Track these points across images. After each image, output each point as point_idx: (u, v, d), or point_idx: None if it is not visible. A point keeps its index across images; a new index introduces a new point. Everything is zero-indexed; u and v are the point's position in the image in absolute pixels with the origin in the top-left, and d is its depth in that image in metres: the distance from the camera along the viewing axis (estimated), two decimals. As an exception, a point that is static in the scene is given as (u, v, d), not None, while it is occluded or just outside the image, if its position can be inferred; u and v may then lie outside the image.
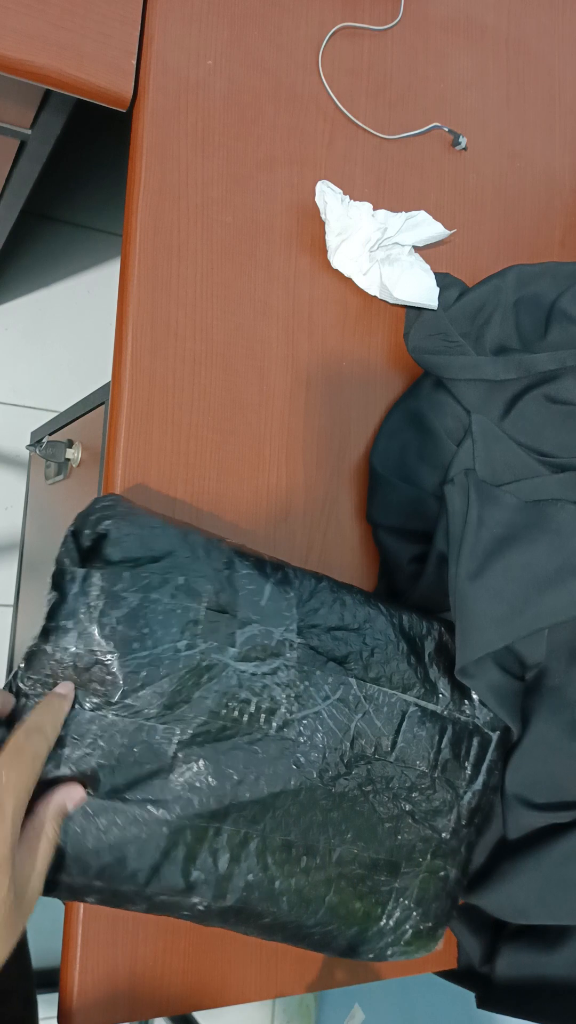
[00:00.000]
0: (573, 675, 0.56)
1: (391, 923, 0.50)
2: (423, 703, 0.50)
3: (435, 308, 0.63)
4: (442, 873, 0.52)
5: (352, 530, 0.63)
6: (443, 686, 0.52)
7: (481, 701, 0.53)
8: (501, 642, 0.51)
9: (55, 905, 0.52)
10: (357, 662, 0.49)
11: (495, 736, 0.53)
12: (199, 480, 0.57)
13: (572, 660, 0.56)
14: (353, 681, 0.48)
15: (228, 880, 0.46)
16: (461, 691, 0.52)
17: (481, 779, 0.52)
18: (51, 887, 0.44)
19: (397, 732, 0.49)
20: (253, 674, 0.45)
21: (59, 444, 0.85)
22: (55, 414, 1.01)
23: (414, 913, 0.51)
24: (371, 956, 0.51)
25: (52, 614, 0.42)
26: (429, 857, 0.51)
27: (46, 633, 0.42)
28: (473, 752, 0.52)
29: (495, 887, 0.55)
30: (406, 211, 0.65)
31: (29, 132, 0.75)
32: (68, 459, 0.85)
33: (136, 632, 0.43)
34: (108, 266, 1.38)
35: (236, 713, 0.45)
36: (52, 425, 1.00)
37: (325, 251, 0.64)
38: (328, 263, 0.64)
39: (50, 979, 1.03)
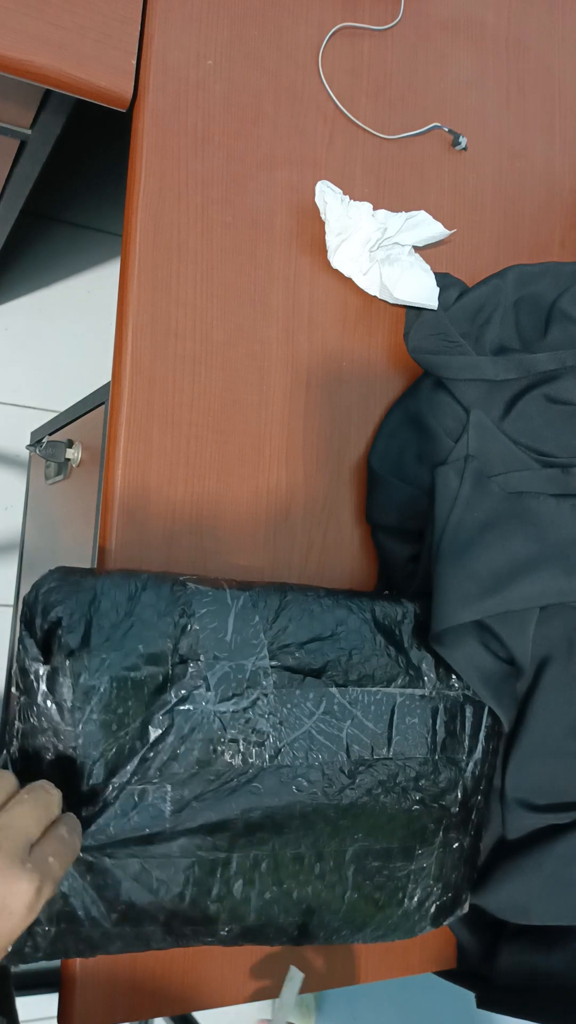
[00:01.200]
0: (574, 673, 0.56)
1: (414, 903, 0.51)
2: (410, 691, 0.50)
3: (435, 308, 0.63)
4: (456, 845, 0.52)
5: (352, 530, 0.63)
6: (427, 667, 0.51)
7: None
8: (468, 617, 0.51)
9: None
10: (337, 669, 0.48)
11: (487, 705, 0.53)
12: (199, 480, 0.57)
13: (572, 658, 0.57)
14: (334, 690, 0.48)
15: (246, 903, 0.46)
16: (447, 667, 0.52)
17: (480, 747, 0.52)
18: (64, 950, 0.44)
19: (390, 727, 0.49)
20: (234, 712, 0.45)
21: (59, 444, 0.85)
22: (55, 414, 1.01)
23: (435, 889, 0.51)
24: (400, 936, 0.51)
25: (24, 715, 0.42)
26: (442, 833, 0.51)
27: (24, 735, 0.42)
28: (468, 723, 0.52)
29: (495, 887, 0.55)
30: (406, 211, 0.65)
31: (29, 132, 0.75)
32: (68, 459, 0.85)
33: (111, 715, 0.42)
34: (108, 266, 1.38)
35: (226, 756, 0.45)
36: (52, 425, 1.00)
37: (325, 251, 0.64)
38: (328, 263, 0.64)
39: (50, 979, 1.03)
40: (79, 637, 0.43)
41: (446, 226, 0.66)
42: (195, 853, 0.45)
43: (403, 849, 0.50)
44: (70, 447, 0.85)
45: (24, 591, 1.10)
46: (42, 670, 0.42)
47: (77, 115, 0.71)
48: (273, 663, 0.47)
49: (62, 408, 0.98)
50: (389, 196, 0.68)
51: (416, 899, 0.51)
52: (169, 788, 0.43)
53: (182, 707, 0.44)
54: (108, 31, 0.57)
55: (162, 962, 0.53)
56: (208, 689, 0.45)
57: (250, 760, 0.45)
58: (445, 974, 0.62)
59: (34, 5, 0.55)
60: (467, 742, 0.51)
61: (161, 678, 0.44)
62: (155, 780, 0.43)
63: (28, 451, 1.04)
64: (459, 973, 0.61)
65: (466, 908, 0.54)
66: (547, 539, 0.55)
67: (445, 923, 0.53)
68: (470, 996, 0.60)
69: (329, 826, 0.47)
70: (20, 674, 0.42)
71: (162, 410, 0.57)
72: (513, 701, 0.55)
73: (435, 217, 0.66)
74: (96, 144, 1.21)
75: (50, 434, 0.97)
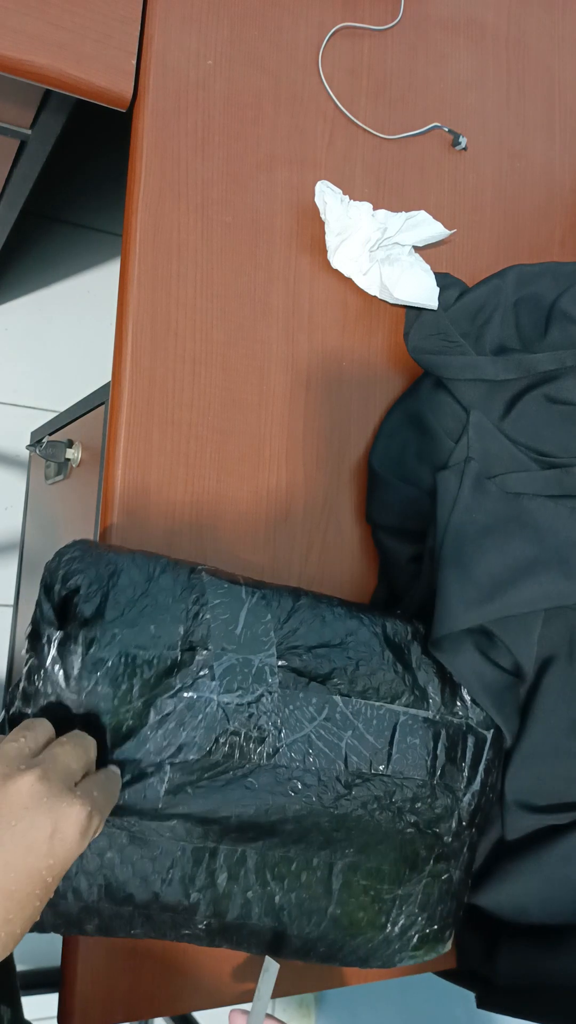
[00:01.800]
0: (574, 673, 0.56)
1: (396, 930, 0.50)
2: (413, 711, 0.50)
3: (435, 308, 0.63)
4: (445, 876, 0.51)
5: (352, 530, 0.63)
6: (433, 690, 0.51)
7: (474, 701, 0.53)
8: (468, 623, 0.51)
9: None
10: (342, 678, 0.48)
11: (489, 734, 0.53)
12: (199, 480, 0.57)
13: (573, 660, 0.56)
14: (338, 699, 0.48)
15: (228, 898, 0.46)
16: (452, 692, 0.52)
17: (479, 779, 0.52)
18: (40, 923, 0.44)
19: (391, 744, 0.48)
20: (238, 705, 0.45)
21: (59, 444, 0.85)
22: (55, 414, 1.01)
23: (419, 919, 0.50)
24: (379, 964, 0.51)
25: (30, 677, 0.42)
26: (432, 862, 0.50)
27: (26, 696, 0.42)
28: (469, 753, 0.51)
29: (496, 886, 0.55)
30: (406, 211, 0.65)
31: (29, 132, 0.75)
32: (68, 459, 0.85)
33: (115, 689, 0.43)
34: (108, 266, 1.38)
35: (226, 748, 0.45)
36: (52, 425, 1.00)
37: (325, 251, 0.64)
38: (328, 263, 0.64)
39: (50, 979, 1.03)
40: (94, 608, 0.44)
41: (446, 226, 0.66)
42: (184, 837, 0.45)
43: (393, 871, 0.49)
44: (70, 447, 0.85)
45: (24, 591, 1.10)
46: (55, 635, 0.42)
47: (77, 115, 0.71)
48: (280, 663, 0.47)
49: (62, 408, 0.98)
50: (389, 196, 0.68)
51: (399, 926, 0.50)
52: (168, 770, 0.43)
53: (187, 694, 0.44)
54: (108, 31, 0.57)
55: (162, 962, 0.53)
56: (213, 679, 0.45)
57: (248, 755, 0.45)
58: (445, 974, 0.62)
59: (34, 5, 0.55)
60: (466, 772, 0.51)
61: (169, 662, 0.44)
62: (154, 762, 0.43)
63: (28, 451, 1.05)
64: (459, 973, 0.61)
65: (448, 946, 0.53)
66: (545, 542, 0.55)
67: (423, 960, 0.52)
68: (470, 996, 0.60)
69: (321, 835, 0.47)
70: (32, 636, 0.42)
71: (162, 410, 0.57)
72: (515, 711, 0.54)
73: (435, 217, 0.66)
74: (96, 144, 1.21)
75: (50, 434, 0.97)
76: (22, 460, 1.30)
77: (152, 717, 0.43)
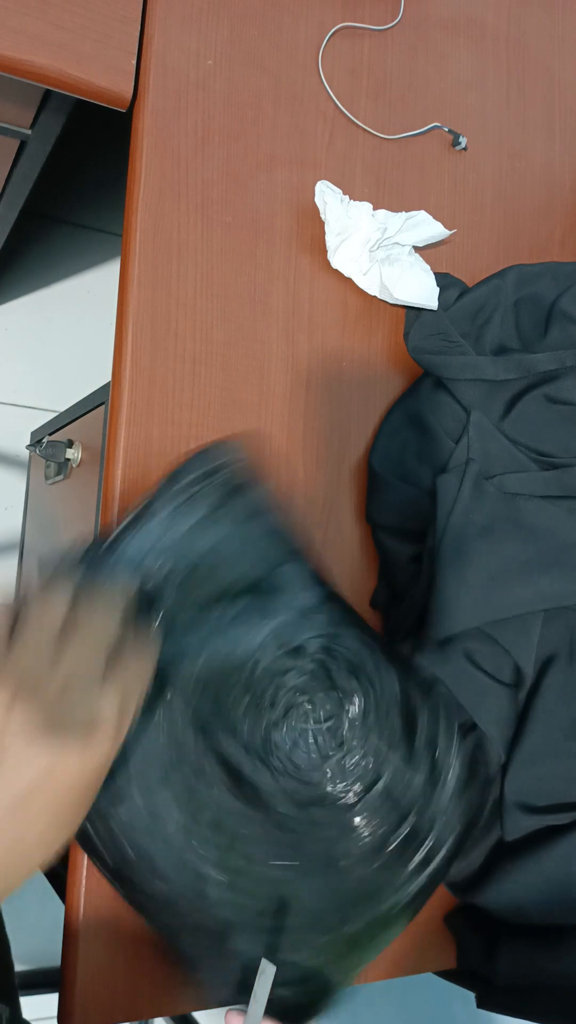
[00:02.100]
0: (573, 673, 0.56)
1: (283, 975, 0.46)
2: (400, 771, 0.48)
3: (435, 308, 0.63)
4: (356, 947, 0.48)
5: (352, 530, 0.63)
6: (424, 761, 0.49)
7: (465, 775, 0.50)
8: (467, 625, 0.52)
9: (55, 904, 0.52)
10: (359, 703, 0.48)
11: (448, 842, 0.49)
12: (199, 480, 0.57)
13: (572, 657, 0.57)
14: (345, 720, 0.48)
15: (148, 817, 0.44)
16: (437, 780, 0.50)
17: (420, 882, 0.49)
18: None
19: (367, 790, 0.47)
20: (265, 668, 0.46)
21: (59, 444, 0.85)
22: (55, 414, 1.01)
23: (309, 973, 0.47)
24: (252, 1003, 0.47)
25: (131, 526, 0.44)
26: (348, 927, 0.48)
27: (116, 540, 0.43)
28: (420, 854, 0.48)
29: (495, 886, 0.55)
30: (406, 211, 0.65)
31: (29, 132, 0.75)
32: (68, 459, 0.85)
33: (185, 580, 0.44)
34: (108, 266, 1.38)
35: (236, 695, 0.45)
36: (52, 425, 1.00)
37: (325, 251, 0.64)
38: (328, 263, 0.64)
39: (50, 979, 1.03)
40: (220, 497, 0.45)
41: (446, 226, 0.66)
42: (163, 778, 0.44)
43: (312, 913, 0.47)
44: (70, 447, 0.85)
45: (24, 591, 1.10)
46: (175, 502, 0.44)
47: (77, 115, 0.71)
48: (320, 655, 0.47)
49: (62, 408, 0.98)
50: (389, 196, 0.68)
51: (287, 973, 0.46)
52: (182, 709, 0.44)
53: (233, 624, 0.45)
54: (108, 31, 0.57)
55: (162, 962, 0.53)
56: (261, 632, 0.46)
57: (248, 717, 0.45)
58: (445, 974, 0.62)
59: (34, 5, 0.55)
60: (410, 870, 0.48)
61: (240, 586, 0.45)
62: (173, 694, 0.44)
63: (28, 451, 1.05)
64: (459, 973, 0.61)
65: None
66: (543, 543, 0.55)
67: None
68: (470, 996, 0.60)
69: (263, 827, 0.46)
70: (165, 484, 0.44)
71: (162, 410, 0.57)
72: (509, 720, 0.54)
73: (435, 217, 0.66)
74: (96, 144, 1.21)
75: (50, 434, 0.97)
76: (22, 460, 1.30)
77: (197, 627, 0.44)
